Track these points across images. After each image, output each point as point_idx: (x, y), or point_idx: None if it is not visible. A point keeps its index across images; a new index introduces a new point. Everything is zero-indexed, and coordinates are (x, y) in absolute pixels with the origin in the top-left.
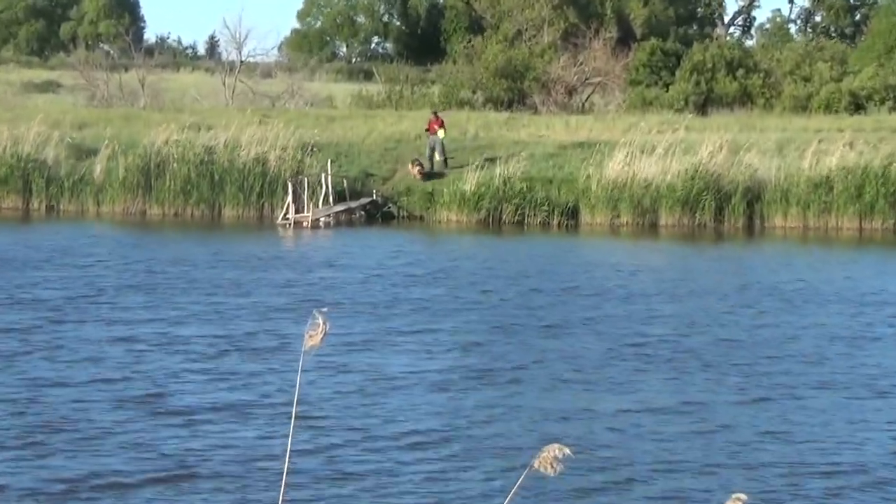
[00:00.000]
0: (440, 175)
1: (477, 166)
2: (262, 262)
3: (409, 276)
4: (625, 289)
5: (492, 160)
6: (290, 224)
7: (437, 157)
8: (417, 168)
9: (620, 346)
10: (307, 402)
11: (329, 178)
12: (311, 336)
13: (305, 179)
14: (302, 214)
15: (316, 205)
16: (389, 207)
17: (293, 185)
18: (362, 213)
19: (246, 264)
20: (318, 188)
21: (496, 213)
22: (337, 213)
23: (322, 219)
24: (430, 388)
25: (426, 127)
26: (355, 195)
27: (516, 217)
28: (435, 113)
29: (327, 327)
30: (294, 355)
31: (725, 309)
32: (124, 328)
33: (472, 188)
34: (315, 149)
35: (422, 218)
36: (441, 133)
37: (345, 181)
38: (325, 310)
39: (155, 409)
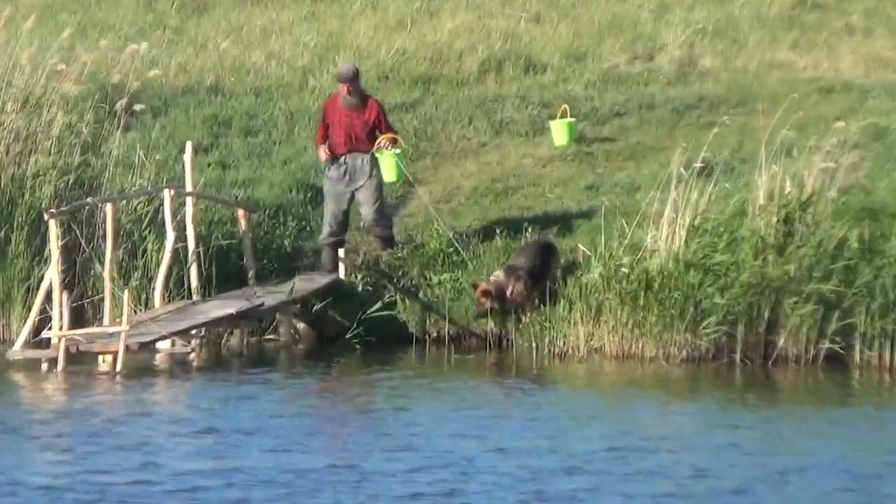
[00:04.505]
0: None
1: (689, 172)
2: None
3: None
4: None
5: (738, 156)
6: (54, 364)
7: (374, 222)
8: (487, 292)
9: None
10: None
11: (190, 207)
12: None
13: (109, 211)
14: (97, 329)
15: (140, 300)
16: (398, 310)
17: (60, 234)
18: (298, 326)
19: None
20: (156, 242)
21: (752, 327)
22: (217, 321)
23: (163, 344)
24: None
25: (316, 134)
26: (281, 264)
27: (820, 344)
28: (352, 82)
29: None
30: None
31: None
32: None
33: (676, 245)
34: (140, 109)
35: (506, 343)
36: (389, 156)
37: (243, 220)
38: None
39: None
